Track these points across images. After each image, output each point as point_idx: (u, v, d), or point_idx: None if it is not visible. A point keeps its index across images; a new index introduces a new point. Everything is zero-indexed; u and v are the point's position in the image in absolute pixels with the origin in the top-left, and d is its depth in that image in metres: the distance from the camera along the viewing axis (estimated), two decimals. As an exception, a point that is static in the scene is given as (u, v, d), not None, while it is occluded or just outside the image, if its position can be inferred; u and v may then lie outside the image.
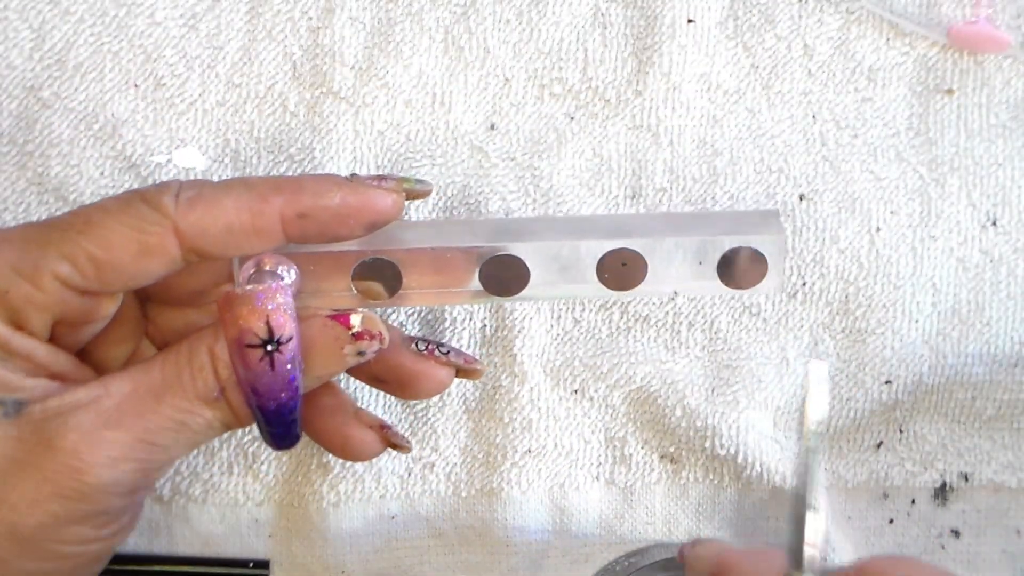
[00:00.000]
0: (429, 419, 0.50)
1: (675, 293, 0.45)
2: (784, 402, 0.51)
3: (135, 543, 0.50)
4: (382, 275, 0.44)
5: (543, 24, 0.50)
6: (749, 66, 0.50)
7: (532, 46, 0.50)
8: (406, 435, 0.48)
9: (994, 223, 0.50)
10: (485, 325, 0.50)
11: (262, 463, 0.50)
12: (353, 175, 0.43)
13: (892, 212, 0.50)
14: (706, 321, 0.50)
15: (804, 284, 0.50)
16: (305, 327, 0.41)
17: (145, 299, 0.45)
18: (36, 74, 0.49)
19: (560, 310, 0.50)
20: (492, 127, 0.50)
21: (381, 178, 0.43)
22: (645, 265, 0.45)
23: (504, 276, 0.44)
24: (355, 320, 0.41)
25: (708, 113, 0.50)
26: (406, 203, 0.44)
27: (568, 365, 0.50)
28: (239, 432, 0.50)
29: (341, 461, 0.50)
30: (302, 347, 0.40)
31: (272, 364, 0.39)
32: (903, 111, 0.50)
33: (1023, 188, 0.50)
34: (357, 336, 0.41)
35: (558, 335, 0.50)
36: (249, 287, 0.39)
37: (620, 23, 0.50)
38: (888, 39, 0.50)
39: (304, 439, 0.49)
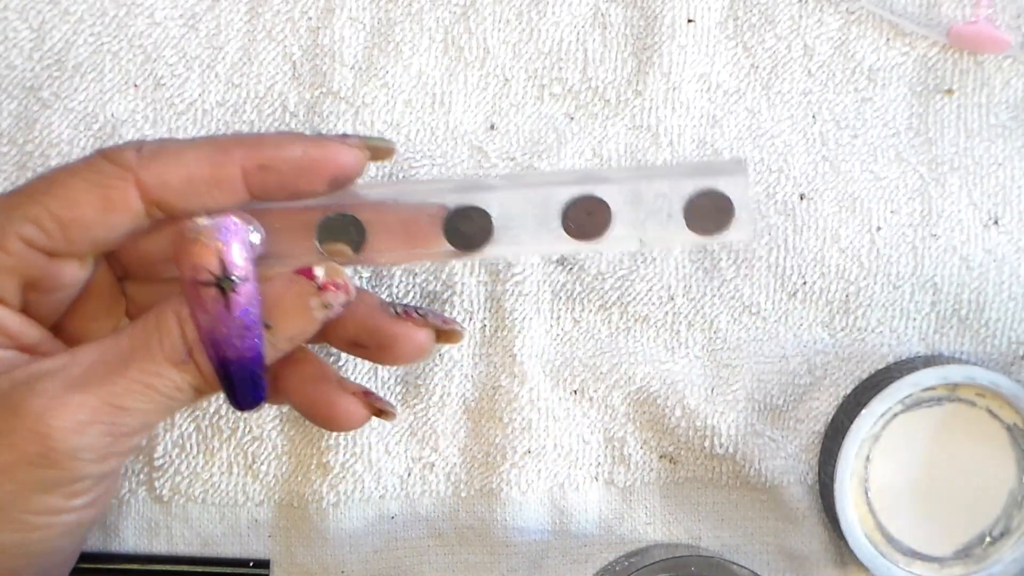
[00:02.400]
0: (429, 419, 0.50)
1: (641, 243, 0.44)
2: (783, 401, 0.51)
3: (135, 543, 0.50)
4: (348, 236, 0.43)
5: (543, 24, 0.50)
6: (749, 66, 0.50)
7: (532, 46, 0.50)
8: (398, 418, 0.47)
9: (996, 222, 0.50)
10: (485, 326, 0.50)
11: (262, 463, 0.50)
12: (317, 133, 0.43)
13: (892, 211, 0.50)
14: (705, 321, 0.50)
15: (804, 283, 0.50)
16: (269, 285, 0.40)
17: (124, 277, 0.45)
18: (36, 74, 0.49)
19: (560, 310, 0.50)
20: (492, 127, 0.50)
21: (345, 136, 0.42)
22: (610, 213, 0.43)
23: (469, 230, 0.43)
24: (319, 272, 0.40)
25: (708, 113, 0.50)
26: (371, 164, 0.43)
27: (568, 365, 0.50)
28: (239, 432, 0.50)
29: (341, 461, 0.50)
30: (268, 306, 0.40)
31: (228, 305, 0.39)
32: (903, 111, 0.50)
33: (1023, 188, 0.50)
34: (322, 287, 0.40)
35: (558, 335, 0.50)
36: (202, 221, 0.39)
37: (620, 23, 0.50)
38: (888, 39, 0.50)
39: (302, 437, 0.50)
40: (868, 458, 0.49)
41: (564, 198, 0.43)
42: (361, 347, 0.44)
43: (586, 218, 0.44)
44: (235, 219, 0.39)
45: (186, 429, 0.50)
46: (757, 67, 0.50)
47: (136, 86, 0.49)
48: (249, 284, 0.39)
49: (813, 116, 0.50)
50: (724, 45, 0.50)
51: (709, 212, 0.43)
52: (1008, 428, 0.49)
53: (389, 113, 0.50)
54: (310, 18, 0.49)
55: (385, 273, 0.49)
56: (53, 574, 0.42)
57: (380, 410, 0.45)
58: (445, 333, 0.45)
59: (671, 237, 0.44)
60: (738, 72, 0.50)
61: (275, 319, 0.40)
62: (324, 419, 0.45)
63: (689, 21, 0.50)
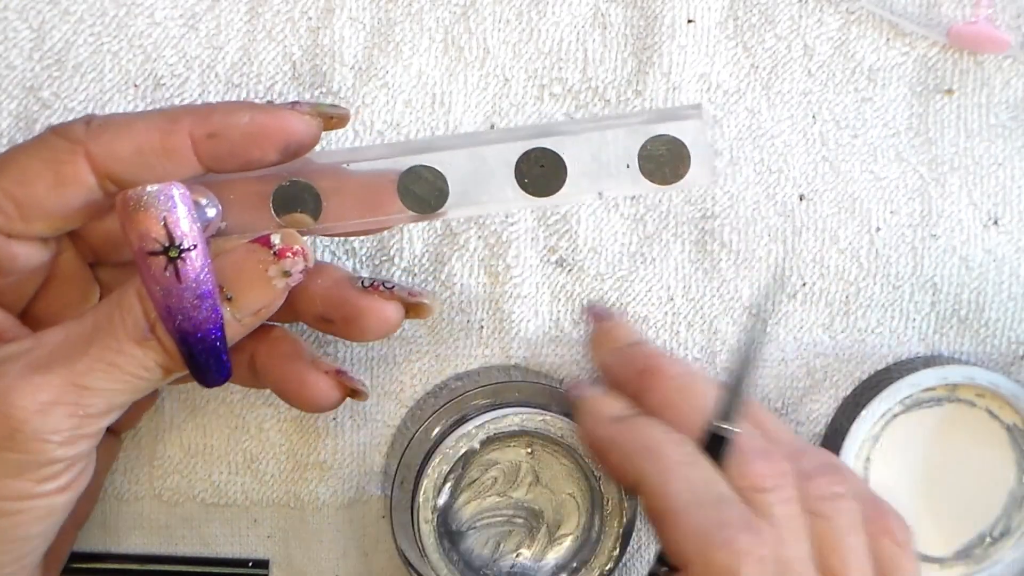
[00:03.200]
0: (428, 419, 0.50)
1: (600, 195, 0.43)
2: (781, 405, 0.51)
3: (135, 543, 0.50)
4: (304, 204, 0.42)
5: (543, 24, 0.50)
6: (749, 66, 0.50)
7: (532, 46, 0.50)
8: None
9: (996, 222, 0.50)
10: (483, 327, 0.50)
11: (261, 463, 0.50)
12: (269, 101, 0.42)
13: (892, 212, 0.50)
14: (705, 321, 0.50)
15: (804, 284, 0.50)
16: (227, 257, 0.40)
17: (95, 262, 0.44)
18: (36, 74, 0.49)
19: (559, 312, 0.50)
20: (492, 127, 0.50)
21: (295, 103, 0.42)
22: (564, 166, 0.42)
23: (424, 191, 0.42)
24: (275, 239, 0.40)
25: (708, 113, 0.50)
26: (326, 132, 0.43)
27: (565, 368, 0.50)
28: (239, 432, 0.50)
29: (339, 460, 0.50)
30: (227, 278, 0.40)
31: (178, 275, 0.38)
32: (903, 111, 0.50)
33: (1023, 188, 0.50)
34: (279, 254, 0.40)
35: (556, 337, 0.50)
36: (145, 189, 0.38)
37: (620, 23, 0.50)
38: (888, 39, 0.50)
39: (300, 437, 0.50)
40: (868, 459, 0.49)
41: (516, 153, 0.42)
42: (329, 322, 0.43)
43: (540, 172, 0.42)
44: (179, 185, 0.39)
45: (186, 428, 0.50)
46: (757, 67, 0.50)
47: (136, 86, 0.49)
48: (199, 252, 0.38)
49: (813, 116, 0.50)
50: (724, 45, 0.50)
51: (665, 159, 0.42)
52: (1008, 428, 0.49)
53: (389, 113, 0.50)
54: (310, 18, 0.49)
55: (384, 273, 0.49)
56: (27, 561, 0.41)
57: (353, 390, 0.44)
58: (414, 306, 0.44)
59: (630, 187, 0.43)
60: (738, 72, 0.50)
61: (235, 290, 0.40)
62: (296, 397, 0.44)
63: (689, 21, 0.50)
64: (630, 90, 0.50)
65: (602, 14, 0.50)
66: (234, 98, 0.49)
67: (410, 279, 0.49)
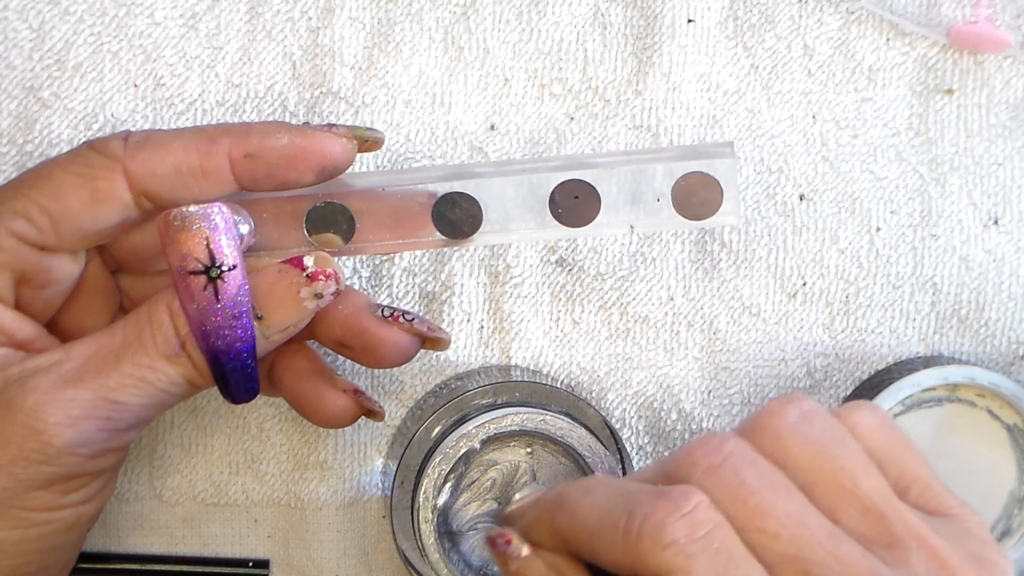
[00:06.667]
0: (428, 419, 0.50)
1: (631, 228, 0.44)
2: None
3: (135, 543, 0.50)
4: (337, 225, 0.43)
5: (543, 24, 0.50)
6: (749, 66, 0.50)
7: (532, 46, 0.50)
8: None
9: (996, 222, 0.50)
10: (483, 327, 0.50)
11: (262, 463, 0.50)
12: (305, 123, 0.43)
13: (892, 212, 0.50)
14: (705, 321, 0.50)
15: (804, 284, 0.50)
16: (259, 276, 0.40)
17: (117, 270, 0.45)
18: (36, 74, 0.49)
19: (559, 312, 0.50)
20: (492, 127, 0.50)
21: (332, 125, 0.42)
22: (598, 198, 0.43)
23: (457, 217, 0.43)
24: (308, 261, 0.41)
25: (708, 113, 0.50)
26: (360, 155, 0.43)
27: (565, 368, 0.50)
28: (239, 431, 0.50)
29: (339, 460, 0.50)
30: (259, 297, 0.40)
31: (217, 294, 0.39)
32: (903, 111, 0.50)
33: (1023, 188, 0.50)
34: (312, 277, 0.40)
35: (556, 337, 0.50)
36: (188, 209, 0.39)
37: (620, 23, 0.50)
38: (888, 39, 0.50)
39: (300, 436, 0.50)
40: (868, 459, 0.49)
41: (552, 184, 0.43)
42: (346, 347, 0.44)
43: (574, 203, 0.44)
44: (222, 206, 0.39)
45: (186, 428, 0.50)
46: (757, 67, 0.50)
47: (136, 86, 0.49)
48: (237, 272, 0.39)
49: (813, 116, 0.50)
50: (724, 45, 0.50)
51: (698, 196, 0.44)
52: (1008, 428, 0.49)
53: (389, 113, 0.50)
54: (310, 18, 0.49)
55: (385, 273, 0.49)
56: (53, 571, 0.42)
57: (369, 410, 0.45)
58: (431, 340, 0.44)
59: (661, 222, 0.44)
60: (738, 72, 0.50)
61: (266, 310, 0.40)
62: (312, 413, 0.44)
63: (689, 21, 0.50)
64: (630, 90, 0.50)
65: (602, 14, 0.50)
66: (234, 98, 0.49)
67: (410, 278, 0.50)
